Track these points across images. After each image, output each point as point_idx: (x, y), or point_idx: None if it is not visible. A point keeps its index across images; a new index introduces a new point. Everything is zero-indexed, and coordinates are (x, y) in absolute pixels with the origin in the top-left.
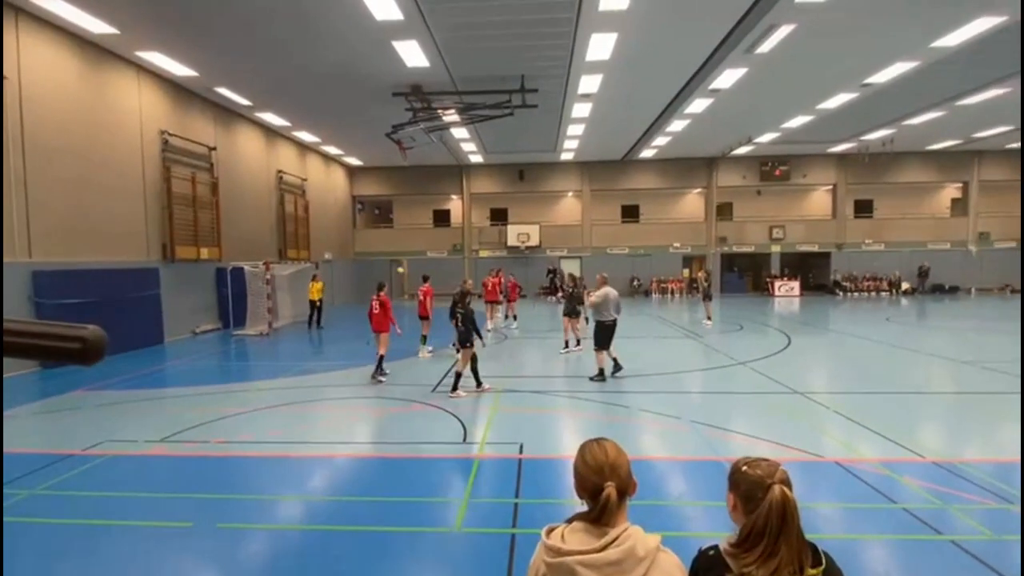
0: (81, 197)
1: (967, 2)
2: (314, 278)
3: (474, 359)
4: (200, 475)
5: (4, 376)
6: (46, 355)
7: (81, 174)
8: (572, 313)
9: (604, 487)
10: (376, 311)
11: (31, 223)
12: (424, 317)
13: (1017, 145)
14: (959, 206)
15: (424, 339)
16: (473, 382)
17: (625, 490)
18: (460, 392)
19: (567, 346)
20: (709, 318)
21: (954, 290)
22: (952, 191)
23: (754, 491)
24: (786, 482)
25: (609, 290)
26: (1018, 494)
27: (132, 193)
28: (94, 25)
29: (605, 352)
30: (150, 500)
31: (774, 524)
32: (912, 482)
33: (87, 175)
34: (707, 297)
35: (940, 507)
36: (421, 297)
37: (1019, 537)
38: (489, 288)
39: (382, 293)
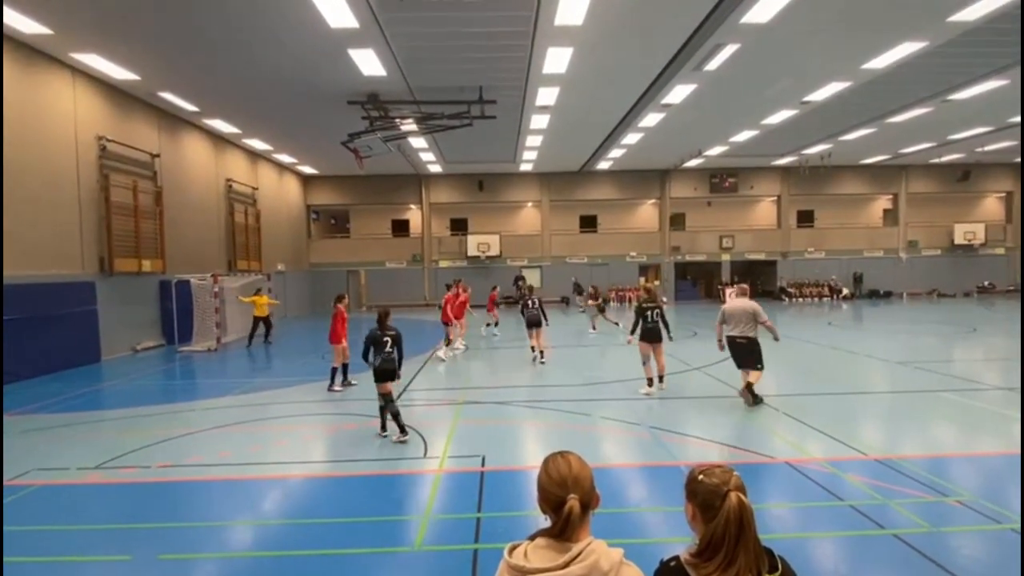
0: (7, 207)
1: (892, 29)
2: (258, 292)
3: (388, 398)
4: (140, 503)
5: None
6: None
7: (7, 182)
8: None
9: (567, 500)
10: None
11: None
12: (447, 322)
13: (939, 160)
14: (890, 216)
15: (449, 342)
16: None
17: (588, 503)
18: (404, 437)
19: (537, 356)
20: (594, 328)
21: (888, 295)
22: (884, 202)
23: (711, 499)
24: (741, 488)
25: (733, 303)
26: (951, 487)
27: (65, 202)
28: (25, 25)
29: (748, 371)
30: (84, 533)
31: (732, 532)
32: (856, 479)
33: (14, 183)
34: (601, 310)
35: (882, 502)
36: (452, 301)
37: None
38: (457, 304)
39: (339, 304)
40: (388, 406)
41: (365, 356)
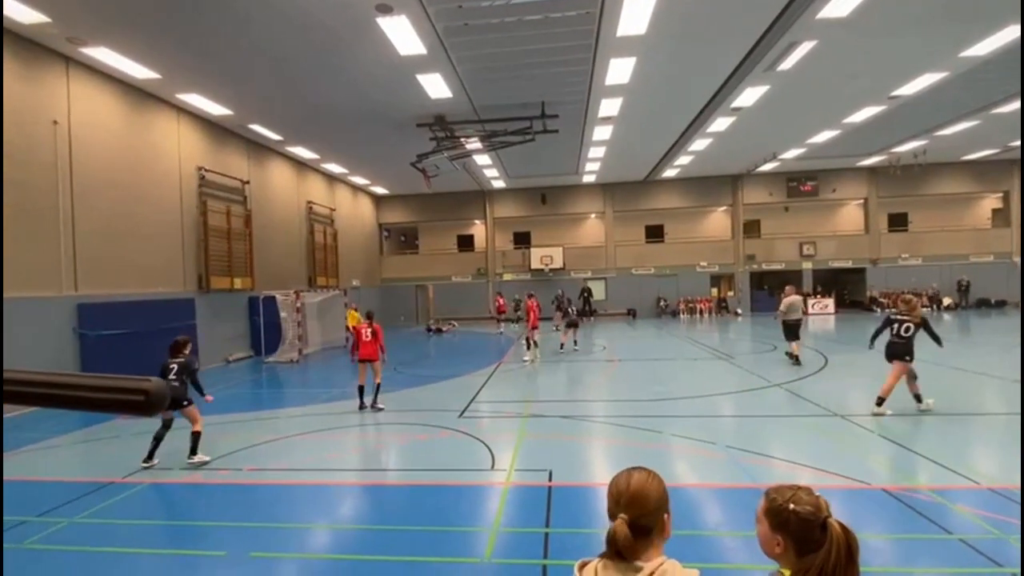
0: (124, 232)
1: (994, 11)
2: (353, 308)
3: (167, 424)
4: (234, 503)
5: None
6: (111, 408)
7: (124, 211)
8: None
9: (618, 519)
10: (367, 339)
11: (77, 259)
12: (533, 327)
13: None
14: (1001, 217)
15: (531, 345)
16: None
17: (648, 526)
18: (201, 456)
19: (563, 347)
20: (562, 345)
21: (1001, 304)
22: (992, 201)
23: (809, 531)
24: (829, 510)
25: (792, 298)
26: None
27: (171, 227)
28: (139, 72)
29: (795, 343)
30: (186, 528)
31: (843, 563)
32: (967, 510)
33: (130, 211)
34: (573, 325)
35: (999, 537)
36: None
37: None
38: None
39: (374, 322)
40: (161, 431)
41: None
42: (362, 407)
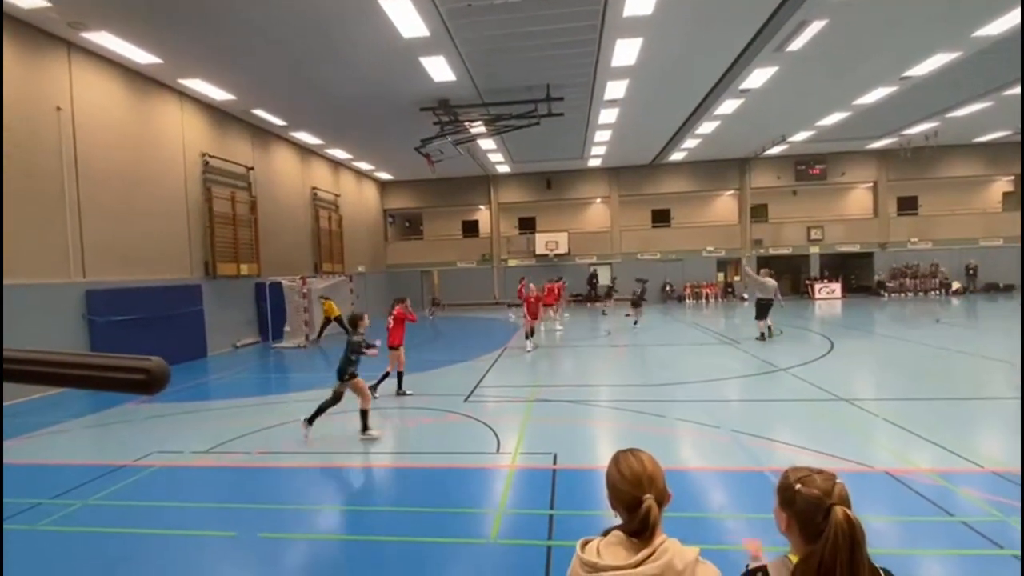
0: (130, 219)
1: None
2: (324, 299)
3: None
4: (243, 485)
5: (59, 391)
6: (113, 386)
7: (129, 197)
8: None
9: (643, 499)
10: (389, 326)
11: (84, 245)
12: (533, 316)
13: None
14: (1011, 200)
15: (531, 334)
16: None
17: (662, 502)
18: (373, 432)
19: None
20: (636, 322)
21: (1009, 289)
22: (1003, 184)
23: (812, 514)
24: (845, 500)
25: (768, 280)
26: None
27: (176, 214)
28: (141, 56)
29: (762, 321)
30: (196, 510)
31: (844, 556)
32: (970, 493)
33: (135, 198)
34: (636, 304)
35: (1001, 520)
36: (533, 298)
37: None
38: (553, 293)
39: (398, 307)
40: (328, 402)
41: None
42: (399, 393)
